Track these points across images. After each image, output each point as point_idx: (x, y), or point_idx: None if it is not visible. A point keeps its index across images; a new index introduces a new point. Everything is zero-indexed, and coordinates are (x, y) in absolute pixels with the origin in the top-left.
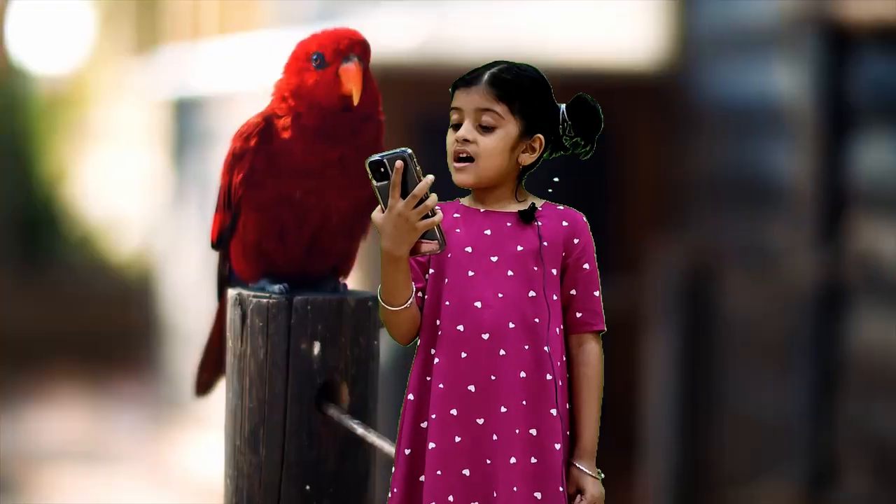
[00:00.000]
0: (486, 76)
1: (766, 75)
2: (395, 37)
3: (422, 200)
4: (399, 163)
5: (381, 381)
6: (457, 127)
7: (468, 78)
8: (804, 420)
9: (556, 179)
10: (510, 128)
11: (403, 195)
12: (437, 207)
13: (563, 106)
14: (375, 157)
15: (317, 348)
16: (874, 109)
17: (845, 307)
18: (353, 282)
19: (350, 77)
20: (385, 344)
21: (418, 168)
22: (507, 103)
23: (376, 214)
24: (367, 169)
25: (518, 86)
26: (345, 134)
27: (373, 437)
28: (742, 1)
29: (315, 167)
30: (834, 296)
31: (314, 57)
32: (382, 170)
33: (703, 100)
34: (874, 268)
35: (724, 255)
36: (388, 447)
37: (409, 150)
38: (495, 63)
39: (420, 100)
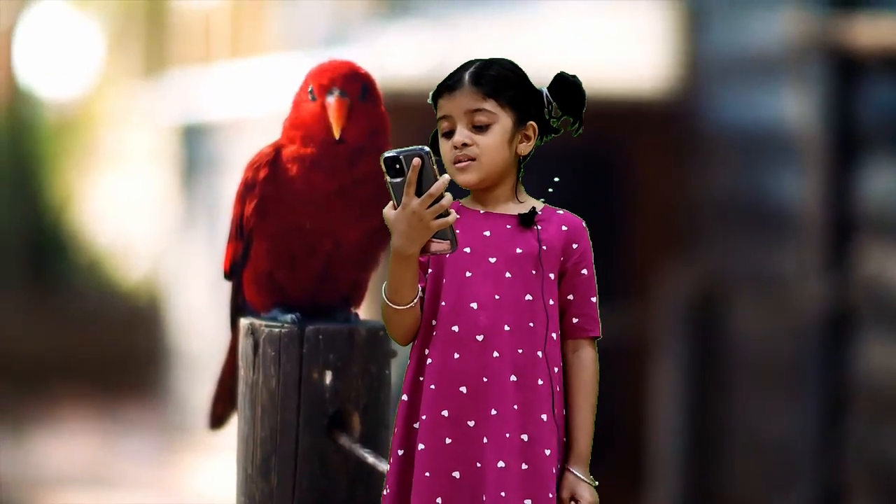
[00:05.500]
0: (467, 77)
1: (774, 101)
2: (407, 60)
3: (437, 200)
4: (416, 160)
5: (392, 409)
6: (448, 135)
7: (449, 83)
8: (812, 445)
9: (556, 179)
10: (504, 121)
11: (418, 193)
12: (451, 208)
13: (544, 88)
14: (391, 153)
15: (328, 377)
16: (882, 135)
17: (853, 332)
18: (364, 311)
19: (330, 112)
20: (396, 372)
21: (435, 167)
22: (495, 98)
23: (388, 211)
24: (382, 165)
25: (501, 78)
26: (340, 165)
27: (384, 466)
28: (750, 27)
29: (317, 198)
30: (842, 321)
31: (310, 89)
32: (398, 166)
33: (712, 125)
34: (881, 293)
35: (732, 280)
36: None
37: (427, 148)
38: (470, 63)
39: (432, 124)
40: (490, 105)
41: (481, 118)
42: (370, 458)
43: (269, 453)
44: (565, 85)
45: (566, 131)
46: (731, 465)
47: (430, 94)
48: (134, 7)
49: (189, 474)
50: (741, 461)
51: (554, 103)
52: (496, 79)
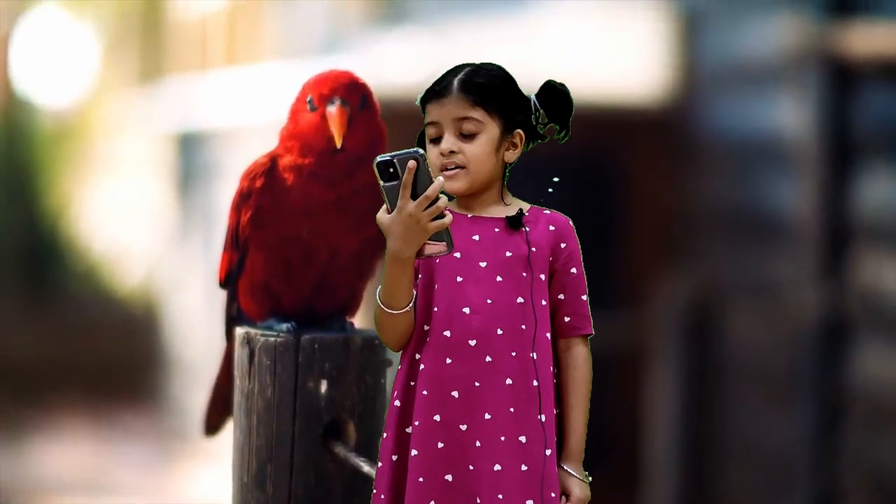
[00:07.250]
0: (455, 84)
1: (769, 109)
2: (403, 68)
3: (433, 202)
4: (412, 162)
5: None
6: (436, 141)
7: (437, 89)
8: (808, 453)
9: (555, 179)
10: (491, 130)
11: (413, 196)
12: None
13: (532, 96)
14: (385, 156)
15: (324, 386)
16: (877, 144)
17: (849, 340)
18: (359, 321)
19: (331, 121)
20: (391, 381)
21: (429, 169)
22: (483, 107)
23: (382, 215)
24: (375, 169)
25: (490, 86)
26: (339, 175)
27: None
28: (746, 35)
29: (314, 208)
30: (837, 329)
31: (308, 99)
32: (391, 170)
33: (707, 134)
34: (877, 301)
35: (728, 288)
36: None
37: (422, 151)
38: (459, 68)
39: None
40: (478, 114)
41: (469, 127)
42: (365, 467)
43: (264, 462)
44: (553, 93)
45: (552, 139)
46: (727, 473)
47: (419, 97)
48: (130, 14)
49: (186, 481)
50: (737, 469)
51: (542, 111)
52: (485, 86)
